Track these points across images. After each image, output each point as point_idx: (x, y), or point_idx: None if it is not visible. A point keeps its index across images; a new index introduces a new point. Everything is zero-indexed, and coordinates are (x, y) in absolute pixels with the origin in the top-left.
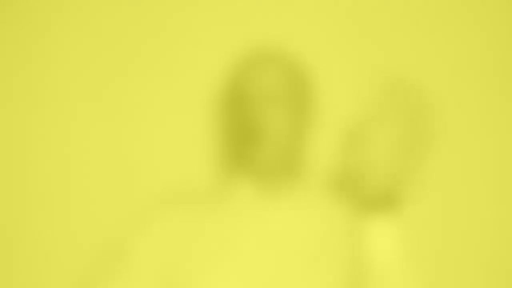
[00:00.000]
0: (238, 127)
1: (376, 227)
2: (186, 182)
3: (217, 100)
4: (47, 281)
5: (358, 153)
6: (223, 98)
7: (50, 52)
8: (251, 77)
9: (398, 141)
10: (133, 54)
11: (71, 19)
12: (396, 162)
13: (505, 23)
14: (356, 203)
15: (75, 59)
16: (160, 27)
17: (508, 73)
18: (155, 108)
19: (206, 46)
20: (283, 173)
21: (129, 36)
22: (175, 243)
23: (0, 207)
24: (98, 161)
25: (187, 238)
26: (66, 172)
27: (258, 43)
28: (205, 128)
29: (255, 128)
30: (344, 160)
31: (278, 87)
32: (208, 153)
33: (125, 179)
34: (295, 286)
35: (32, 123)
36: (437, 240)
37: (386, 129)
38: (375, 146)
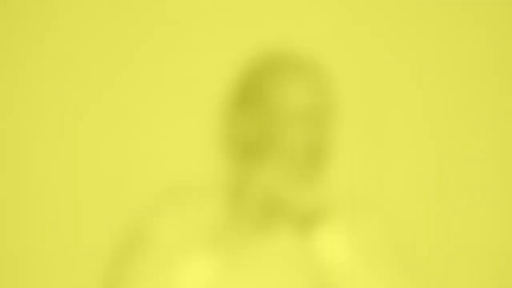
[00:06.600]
0: (247, 134)
1: (324, 240)
2: (190, 190)
3: (227, 105)
4: (48, 281)
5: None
6: (233, 103)
7: (55, 52)
8: (264, 81)
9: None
10: (140, 53)
11: (75, 18)
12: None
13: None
14: (297, 220)
15: (79, 58)
16: (172, 26)
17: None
18: (162, 111)
19: (219, 46)
20: (292, 192)
21: (136, 34)
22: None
23: (1, 208)
24: (101, 162)
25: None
26: (70, 172)
27: (273, 45)
28: (213, 133)
29: (264, 138)
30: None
31: (296, 95)
32: (215, 159)
33: (126, 182)
34: None
35: (36, 123)
36: (387, 239)
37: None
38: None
